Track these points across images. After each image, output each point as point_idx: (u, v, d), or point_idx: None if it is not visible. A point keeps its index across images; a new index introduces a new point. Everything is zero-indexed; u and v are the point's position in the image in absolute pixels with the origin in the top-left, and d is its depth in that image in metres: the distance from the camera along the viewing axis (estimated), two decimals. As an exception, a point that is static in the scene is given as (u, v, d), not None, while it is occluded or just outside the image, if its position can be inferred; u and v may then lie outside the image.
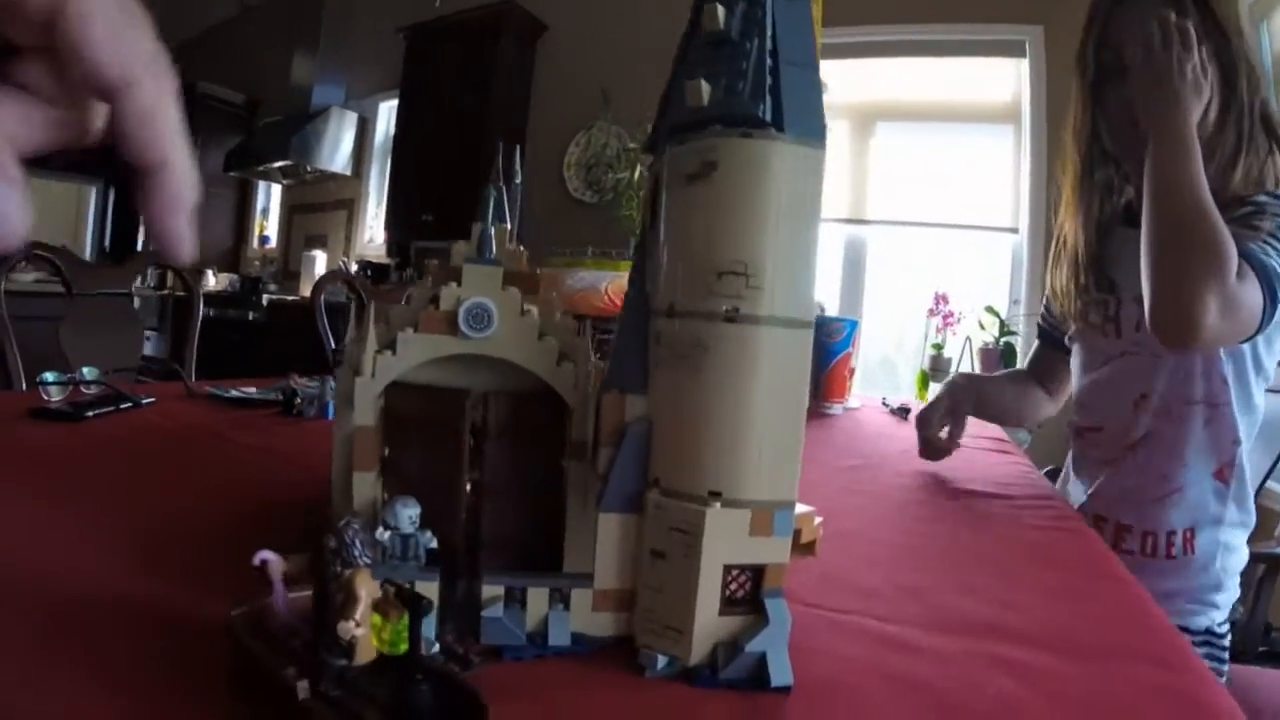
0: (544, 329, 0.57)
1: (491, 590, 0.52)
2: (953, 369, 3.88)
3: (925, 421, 1.34)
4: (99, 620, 0.52)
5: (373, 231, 5.92)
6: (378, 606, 0.40)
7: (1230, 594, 1.23)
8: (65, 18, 0.27)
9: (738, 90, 0.49)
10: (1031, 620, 0.65)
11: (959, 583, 0.73)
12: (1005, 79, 3.90)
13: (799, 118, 0.49)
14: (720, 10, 0.50)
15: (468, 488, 0.59)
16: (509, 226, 0.63)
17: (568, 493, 0.58)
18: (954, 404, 1.37)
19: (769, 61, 0.49)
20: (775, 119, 0.49)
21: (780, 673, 0.50)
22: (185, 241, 0.31)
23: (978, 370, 3.83)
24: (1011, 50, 3.80)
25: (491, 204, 0.60)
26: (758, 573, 0.51)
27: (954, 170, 4.00)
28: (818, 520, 0.53)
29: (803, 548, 0.53)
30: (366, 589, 0.40)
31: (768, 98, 0.48)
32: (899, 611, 0.64)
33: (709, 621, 0.51)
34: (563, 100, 4.91)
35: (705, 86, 0.49)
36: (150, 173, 0.31)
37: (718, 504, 0.49)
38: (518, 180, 0.72)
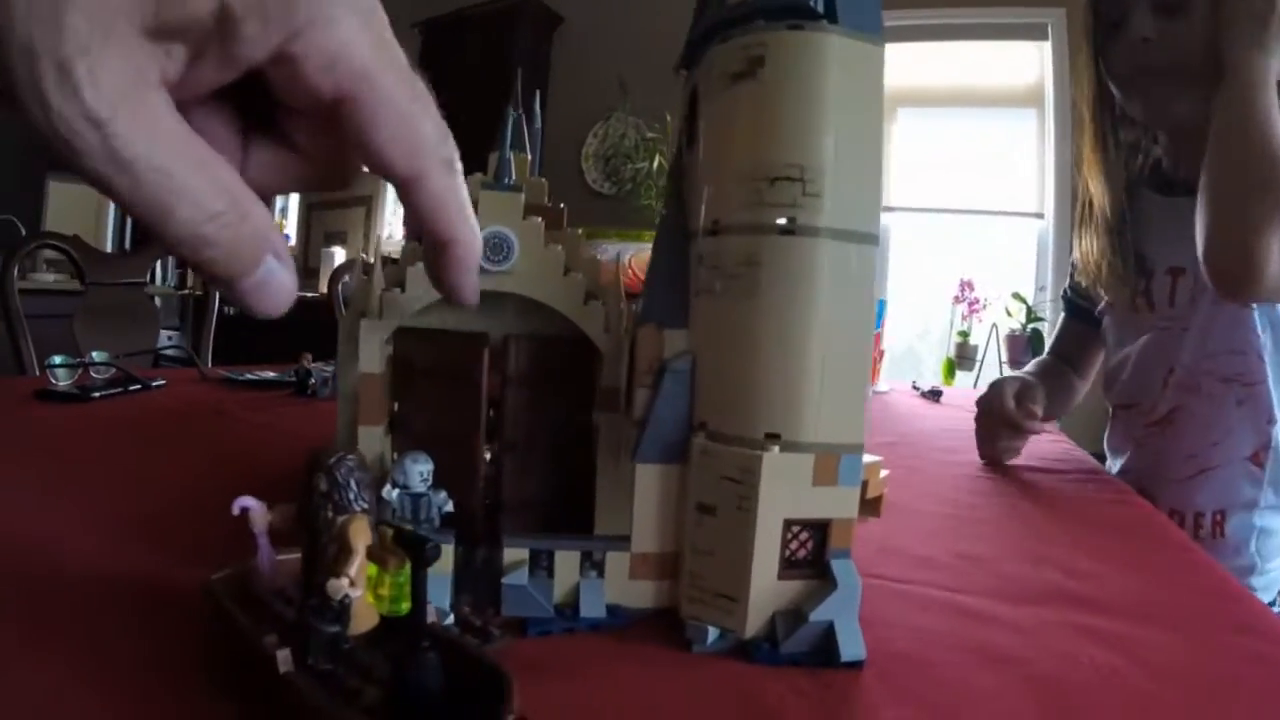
0: (569, 264, 0.51)
1: (514, 555, 0.45)
2: (979, 357, 3.81)
3: (994, 398, 1.17)
4: (80, 596, 0.47)
5: (392, 228, 5.88)
6: (373, 555, 0.33)
7: (1271, 577, 1.15)
8: (353, 109, 0.27)
9: (784, -21, 0.42)
10: (1107, 589, 0.60)
11: (1023, 552, 0.68)
12: (1028, 62, 3.82)
13: (853, 8, 0.43)
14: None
15: (485, 443, 0.53)
16: (529, 157, 0.56)
17: (598, 447, 0.51)
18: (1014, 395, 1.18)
19: (818, -54, 0.42)
20: (828, 9, 0.42)
21: (851, 645, 0.43)
22: (471, 293, 0.33)
23: (1004, 357, 3.75)
24: (1033, 34, 3.72)
25: (510, 128, 0.53)
26: (822, 530, 0.44)
27: (978, 156, 3.93)
28: (884, 472, 0.46)
29: (868, 505, 0.46)
30: (364, 540, 0.33)
31: (817, -14, 0.42)
32: (967, 581, 0.59)
33: (767, 587, 0.44)
34: (580, 92, 4.85)
35: (749, -25, 0.42)
36: (437, 247, 0.31)
37: (776, 448, 0.42)
38: (538, 124, 0.66)
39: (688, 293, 0.46)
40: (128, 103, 0.22)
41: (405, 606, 0.32)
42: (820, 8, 0.42)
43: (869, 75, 0.43)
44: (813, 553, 0.45)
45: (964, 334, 3.89)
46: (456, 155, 0.31)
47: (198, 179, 0.24)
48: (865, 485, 0.46)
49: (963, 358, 3.87)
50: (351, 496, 0.34)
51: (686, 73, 0.53)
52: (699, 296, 0.45)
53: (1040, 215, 3.89)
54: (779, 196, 0.42)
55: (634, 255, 1.32)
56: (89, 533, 0.57)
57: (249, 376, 1.44)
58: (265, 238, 0.26)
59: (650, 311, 0.46)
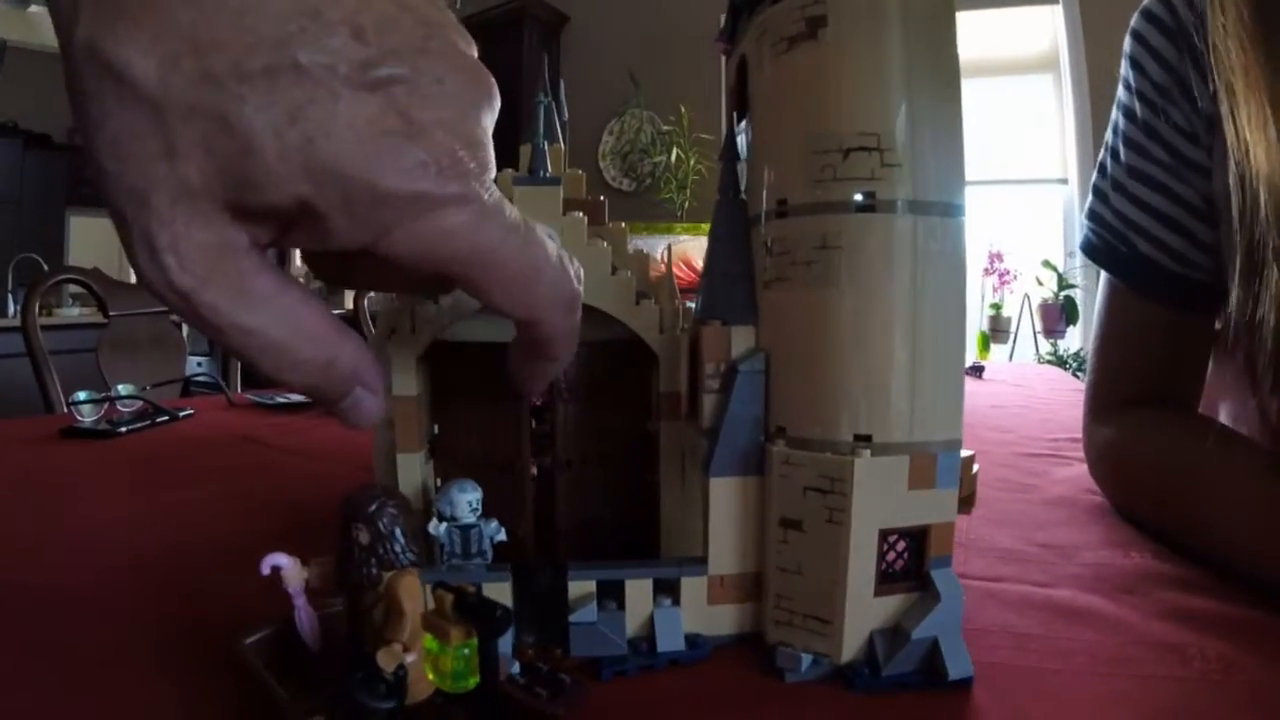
0: (616, 261, 0.46)
1: (580, 587, 0.41)
2: (1013, 328, 3.74)
3: None
4: (102, 653, 0.43)
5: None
6: (430, 626, 0.28)
7: None
8: (464, 282, 0.28)
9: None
10: (1201, 569, 0.55)
11: (1106, 536, 0.64)
12: (1041, 27, 3.74)
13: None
14: None
15: (533, 463, 0.49)
16: (564, 148, 0.52)
17: (660, 459, 0.47)
18: None
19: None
20: (891, -44, 0.37)
21: (958, 663, 0.39)
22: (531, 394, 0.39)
23: (1039, 327, 3.67)
24: None
25: (543, 115, 0.49)
26: (920, 537, 0.39)
27: (997, 125, 3.85)
28: (975, 467, 0.41)
29: (961, 503, 0.41)
30: (416, 598, 0.29)
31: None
32: (1057, 574, 0.55)
33: (862, 605, 0.39)
34: (592, 90, 4.81)
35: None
36: (537, 358, 0.34)
37: (867, 451, 0.37)
38: (565, 117, 0.61)
39: (753, 284, 0.42)
40: (214, 271, 0.23)
41: (472, 682, 0.27)
42: (881, -43, 0.37)
43: (941, 26, 0.39)
44: (911, 563, 0.40)
45: (996, 306, 3.82)
46: (578, 295, 0.32)
47: (283, 333, 0.25)
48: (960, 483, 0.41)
49: (997, 330, 3.81)
50: (398, 549, 0.29)
51: (728, 45, 0.48)
52: (768, 287, 0.41)
53: (1064, 181, 3.83)
54: (854, 170, 0.37)
55: (663, 250, 1.27)
56: (112, 581, 0.54)
57: (278, 400, 1.41)
58: (349, 377, 0.28)
59: (712, 307, 0.42)
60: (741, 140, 0.46)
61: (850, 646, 0.39)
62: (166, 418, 1.22)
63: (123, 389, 1.33)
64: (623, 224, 0.51)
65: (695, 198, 4.07)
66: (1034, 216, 3.91)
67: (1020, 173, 3.92)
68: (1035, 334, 3.73)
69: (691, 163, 4.02)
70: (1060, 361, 3.45)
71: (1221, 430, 0.64)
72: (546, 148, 0.48)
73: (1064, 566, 0.57)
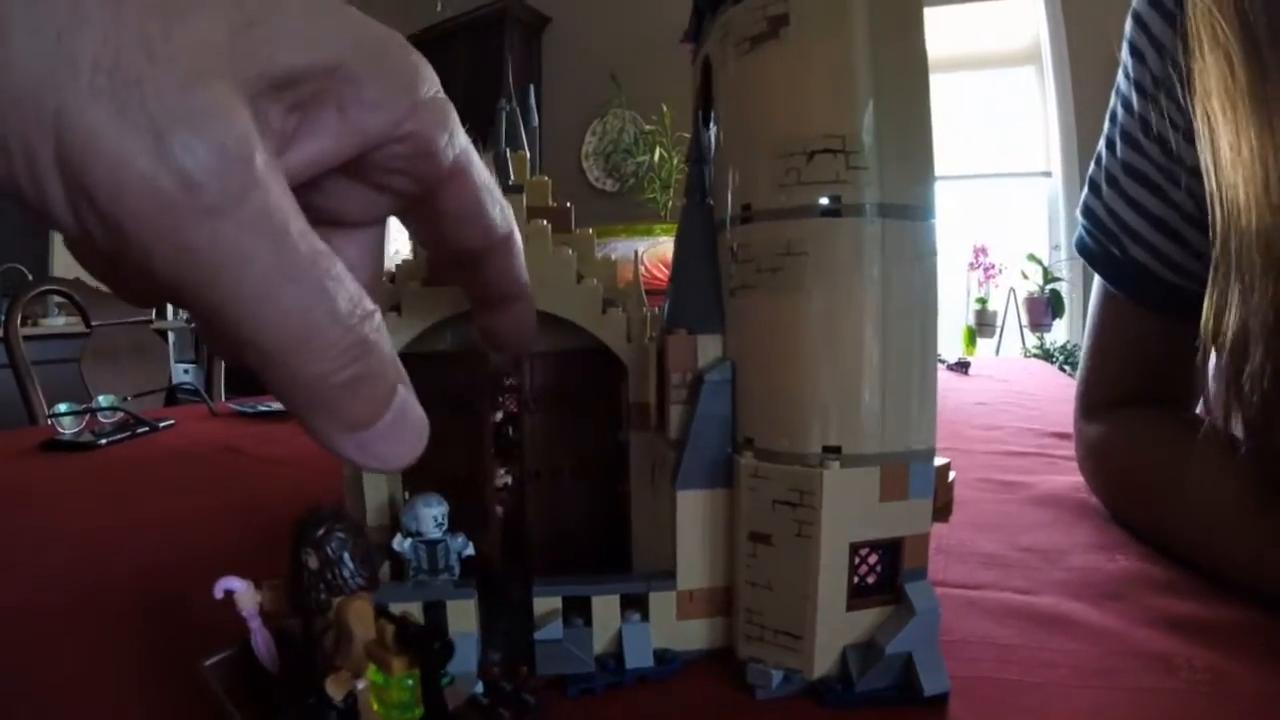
0: (581, 269, 0.45)
1: (546, 603, 0.40)
2: (999, 323, 3.74)
3: None
4: (57, 672, 0.42)
5: (398, 243, 5.86)
6: (373, 655, 0.27)
7: None
8: (458, 188, 0.26)
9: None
10: (1189, 573, 0.54)
11: (1091, 539, 0.63)
12: (1023, 20, 3.74)
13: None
14: None
15: (500, 476, 0.48)
16: (528, 155, 0.51)
17: (630, 470, 0.46)
18: None
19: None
20: (853, -46, 0.36)
21: (934, 677, 0.37)
22: (527, 346, 0.34)
23: (1025, 321, 3.67)
24: None
25: (505, 122, 0.48)
26: (893, 550, 0.39)
27: (979, 119, 3.85)
28: (952, 474, 0.40)
29: (936, 512, 0.40)
30: (365, 624, 0.28)
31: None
32: (1040, 580, 0.54)
33: (834, 620, 0.38)
34: (574, 90, 4.81)
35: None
36: (500, 304, 0.31)
37: (836, 463, 0.36)
38: (535, 122, 0.60)
39: (720, 291, 0.41)
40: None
41: (418, 714, 0.26)
42: (844, -48, 0.36)
43: (908, 23, 0.37)
44: (884, 576, 0.39)
45: (982, 300, 3.83)
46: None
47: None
48: (935, 492, 0.40)
49: (983, 324, 3.81)
50: (347, 575, 0.28)
51: (694, 46, 0.47)
52: (734, 295, 0.40)
53: (1048, 174, 3.83)
54: (819, 173, 0.36)
55: (646, 251, 1.26)
56: (84, 599, 0.52)
57: (260, 408, 1.39)
58: (396, 362, 0.23)
59: (679, 315, 0.41)
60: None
61: (822, 662, 0.38)
62: (147, 429, 1.21)
63: (103, 400, 1.32)
64: (590, 230, 0.50)
65: (679, 197, 4.06)
66: (1018, 210, 3.91)
67: (1004, 166, 3.92)
68: (1021, 328, 3.73)
69: (675, 162, 4.00)
70: (1047, 355, 3.46)
71: (1208, 430, 0.63)
72: (510, 155, 0.47)
73: (1048, 572, 0.56)
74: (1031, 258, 3.64)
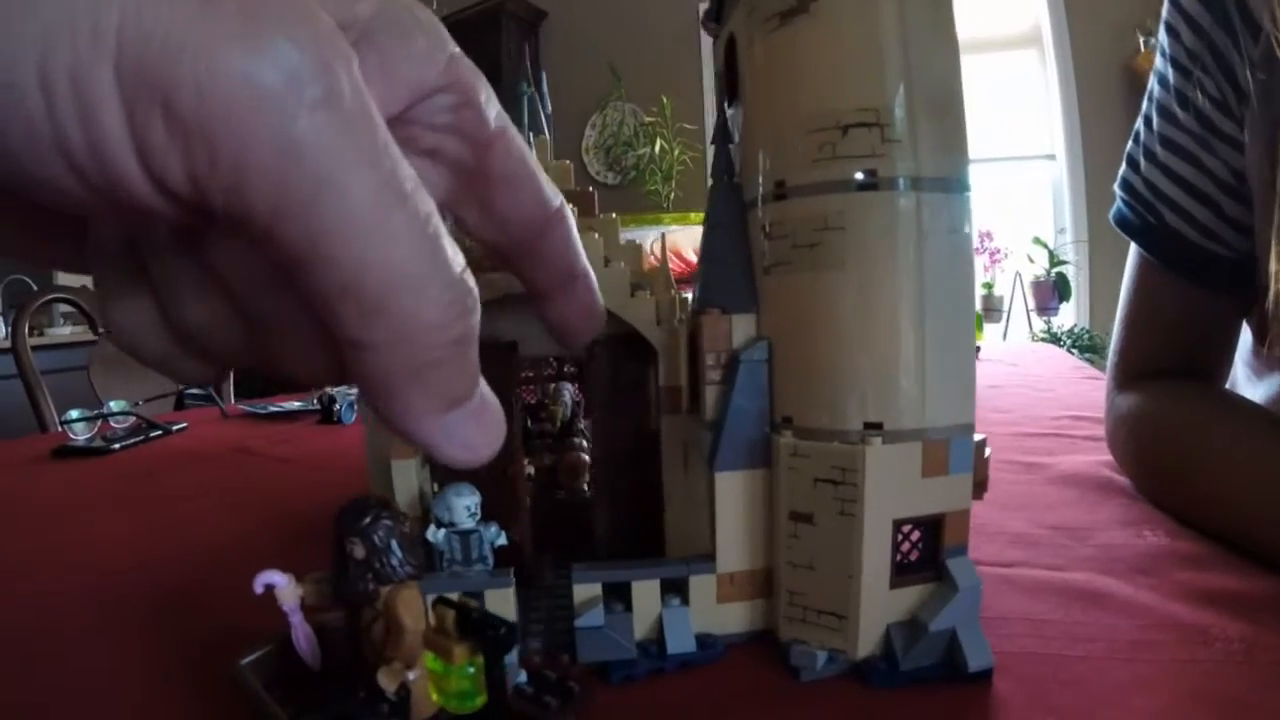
0: (609, 253, 0.45)
1: (585, 590, 0.39)
2: (1005, 307, 3.73)
3: None
4: (101, 680, 0.41)
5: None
6: (433, 645, 0.26)
7: None
8: (503, 152, 0.24)
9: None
10: (1215, 545, 0.54)
11: (1116, 516, 0.62)
12: (1024, 3, 3.72)
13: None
14: None
15: (528, 465, 0.47)
16: (549, 139, 0.50)
17: (663, 456, 0.45)
18: None
19: None
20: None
21: (978, 653, 0.37)
22: (599, 328, 0.30)
23: (1031, 305, 3.67)
24: None
25: (526, 106, 0.47)
26: (934, 526, 0.38)
27: (981, 102, 3.83)
28: (988, 451, 0.40)
29: (973, 488, 0.39)
30: (415, 612, 0.27)
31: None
32: (1069, 557, 0.54)
33: (878, 598, 0.38)
34: (572, 84, 4.79)
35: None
36: (566, 286, 0.29)
37: (878, 440, 0.36)
38: (549, 110, 0.59)
39: (752, 270, 0.40)
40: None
41: (480, 702, 0.26)
42: (873, -77, 0.36)
43: (938, -5, 0.37)
44: (926, 553, 0.39)
45: (988, 285, 3.82)
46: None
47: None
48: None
49: (989, 309, 3.80)
50: (395, 563, 0.28)
51: (715, 26, 0.46)
52: (768, 273, 0.39)
53: (1052, 156, 3.82)
54: (854, 147, 0.35)
55: (655, 241, 1.26)
56: (107, 602, 0.52)
57: (272, 409, 1.40)
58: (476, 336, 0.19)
59: (711, 295, 0.40)
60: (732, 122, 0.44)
61: (866, 641, 0.38)
62: (160, 432, 1.21)
63: (115, 405, 1.32)
64: (613, 215, 0.50)
65: (681, 188, 4.06)
66: (1023, 194, 3.90)
67: (1007, 150, 3.91)
68: (1028, 312, 3.72)
69: (676, 153, 4.00)
70: (1054, 339, 3.45)
71: (1241, 402, 0.63)
72: (532, 139, 0.47)
73: (1077, 549, 0.55)
74: (1037, 241, 3.63)
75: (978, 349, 1.84)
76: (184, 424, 1.28)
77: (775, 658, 0.40)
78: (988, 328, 3.77)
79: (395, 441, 0.44)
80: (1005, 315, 3.79)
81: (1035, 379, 1.49)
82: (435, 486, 0.48)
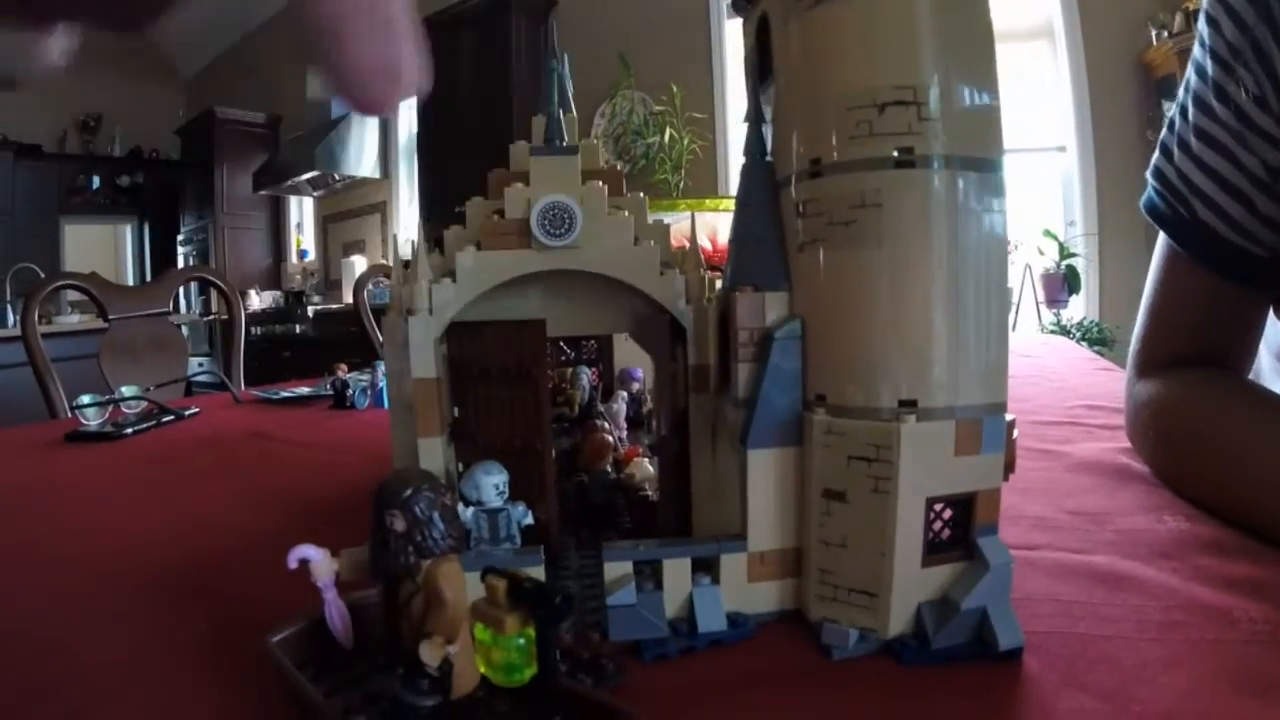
0: (638, 232, 0.45)
1: (616, 569, 0.39)
2: (1014, 299, 3.72)
3: None
4: (125, 661, 0.42)
5: (408, 230, 5.87)
6: (483, 616, 0.27)
7: None
8: None
9: None
10: (1234, 530, 0.55)
11: (1136, 501, 0.62)
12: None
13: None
14: None
15: (554, 445, 0.47)
16: (576, 117, 0.50)
17: (690, 434, 0.45)
18: None
19: None
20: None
21: (1009, 632, 0.37)
22: None
23: (1041, 297, 3.66)
24: None
25: (555, 84, 0.47)
26: (967, 505, 0.38)
27: (994, 93, 3.82)
28: (1015, 432, 0.40)
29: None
30: (457, 586, 0.27)
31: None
32: (1092, 541, 0.54)
33: (909, 577, 0.38)
34: (581, 73, 4.72)
35: None
36: None
37: (912, 417, 0.36)
38: (571, 90, 0.59)
39: (784, 249, 0.40)
40: None
41: (528, 674, 0.26)
42: (908, -98, 0.35)
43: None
44: (957, 532, 0.39)
45: (998, 278, 3.80)
46: None
47: None
48: (1002, 449, 0.39)
49: (999, 302, 3.79)
50: (438, 536, 0.27)
51: (747, 4, 0.46)
52: (802, 250, 0.39)
53: (1063, 148, 3.80)
54: (891, 124, 0.35)
55: (671, 228, 1.25)
56: (130, 586, 0.52)
57: (284, 394, 1.40)
58: None
59: (744, 273, 0.40)
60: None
61: (898, 620, 0.38)
62: (172, 417, 1.21)
63: (126, 390, 1.32)
64: (641, 194, 0.50)
65: (690, 177, 4.05)
66: (1033, 185, 3.88)
67: (1018, 141, 3.89)
68: (1038, 304, 3.71)
69: (685, 142, 3.98)
70: (1064, 331, 3.44)
71: (1263, 392, 0.63)
72: (562, 116, 0.47)
73: (1098, 533, 0.55)
74: (1048, 233, 3.61)
75: None
76: (196, 409, 1.28)
77: (806, 636, 0.40)
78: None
79: (422, 419, 0.44)
80: (1015, 307, 3.78)
81: (1049, 370, 1.49)
82: (460, 466, 0.48)
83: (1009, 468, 0.40)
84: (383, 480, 0.29)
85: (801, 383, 0.39)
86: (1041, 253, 3.67)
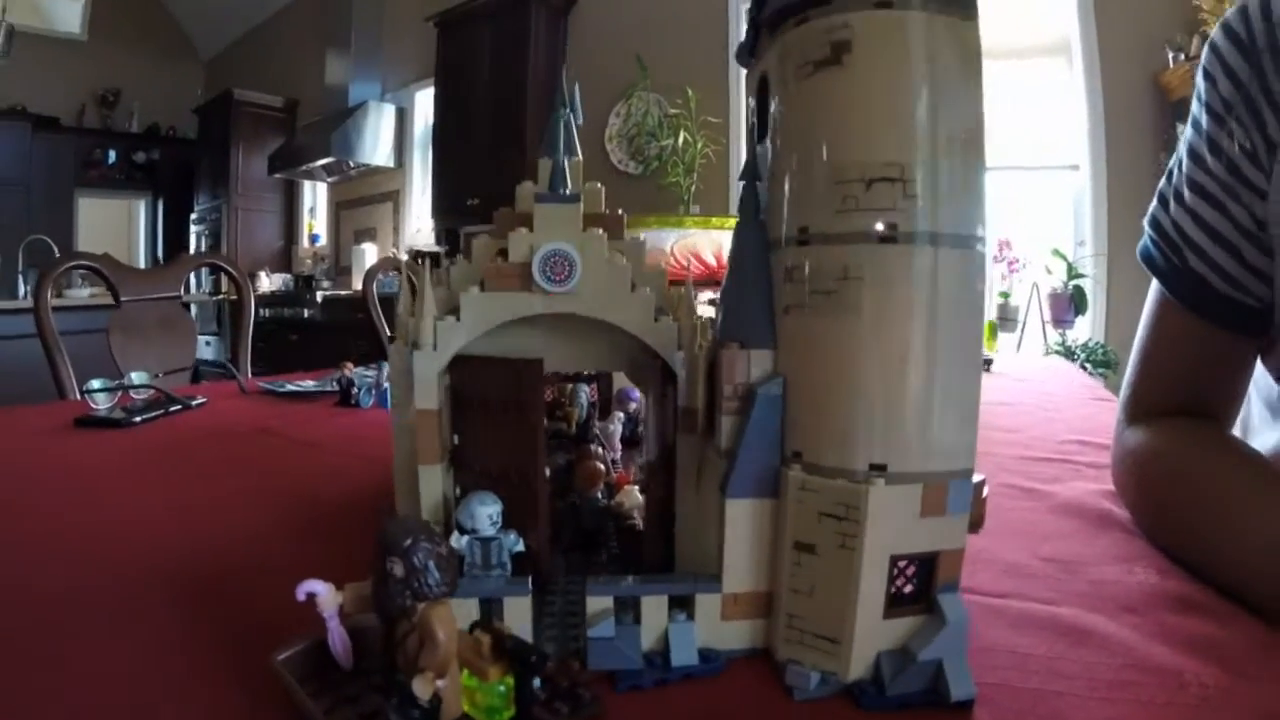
0: (636, 277, 0.47)
1: (598, 603, 0.42)
2: (1020, 317, 3.73)
3: None
4: (119, 662, 0.44)
5: (420, 221, 5.90)
6: (469, 663, 0.29)
7: None
8: None
9: (868, -49, 0.38)
10: (1203, 588, 0.56)
11: (1112, 550, 0.64)
12: (1053, 10, 3.69)
13: (945, -20, 0.38)
14: None
15: (547, 476, 0.50)
16: (581, 160, 0.52)
17: (677, 470, 0.47)
18: None
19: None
20: (917, -15, 0.38)
21: (960, 684, 0.39)
22: None
23: (1047, 317, 3.66)
24: None
25: (562, 130, 0.49)
26: (929, 563, 0.40)
27: (1007, 109, 3.81)
28: (986, 490, 0.42)
29: (970, 525, 0.42)
30: (448, 628, 0.30)
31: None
32: (1061, 591, 0.55)
33: (871, 627, 0.40)
34: (599, 72, 4.80)
35: (827, -51, 0.38)
36: None
37: (881, 480, 0.38)
38: (580, 121, 0.61)
39: (772, 308, 0.42)
40: None
41: (507, 716, 0.29)
42: (909, -19, 0.37)
43: (967, 57, 0.39)
44: (919, 587, 0.41)
45: (1004, 295, 3.81)
46: None
47: None
48: (970, 507, 0.42)
49: (1004, 319, 3.79)
50: (432, 583, 0.30)
51: (750, 59, 0.48)
52: (788, 313, 0.41)
53: (1075, 167, 3.79)
54: (877, 200, 0.37)
55: (677, 243, 1.28)
56: (137, 588, 0.54)
57: (290, 388, 1.42)
58: None
59: (732, 329, 0.42)
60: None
61: (858, 666, 0.40)
62: (179, 407, 1.23)
63: (135, 377, 1.35)
64: (641, 236, 0.52)
65: (702, 180, 4.05)
66: (1044, 204, 3.88)
67: (1031, 159, 3.89)
68: (1043, 323, 3.72)
69: (699, 146, 3.99)
70: (1068, 352, 3.45)
71: (1245, 450, 0.65)
72: (567, 163, 0.49)
73: (1069, 583, 0.57)
74: (1056, 253, 3.62)
75: (990, 362, 1.84)
76: (203, 399, 1.31)
77: (772, 675, 0.42)
78: (1001, 337, 3.76)
79: (423, 447, 0.47)
80: (1020, 326, 3.79)
81: (1045, 397, 1.50)
82: (457, 490, 0.50)
83: (977, 525, 0.43)
84: (386, 526, 0.32)
85: (780, 438, 0.42)
86: (1049, 272, 3.67)
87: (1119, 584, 0.57)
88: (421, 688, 0.28)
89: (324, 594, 0.34)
